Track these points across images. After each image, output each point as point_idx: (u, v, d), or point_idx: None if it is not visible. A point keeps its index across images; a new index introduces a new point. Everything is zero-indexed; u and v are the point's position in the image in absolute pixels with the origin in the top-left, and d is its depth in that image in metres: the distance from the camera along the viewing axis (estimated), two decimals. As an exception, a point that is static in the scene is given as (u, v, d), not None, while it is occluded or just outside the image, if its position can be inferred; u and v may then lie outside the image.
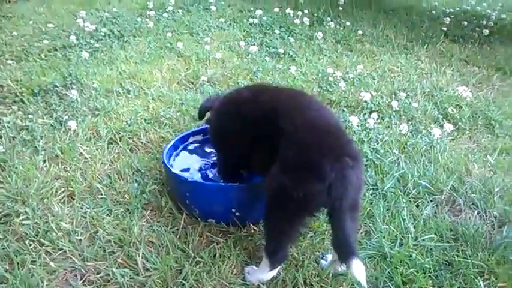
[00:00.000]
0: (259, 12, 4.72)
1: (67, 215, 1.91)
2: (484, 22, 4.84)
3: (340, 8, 5.14)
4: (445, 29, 4.61)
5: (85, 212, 1.92)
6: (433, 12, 5.24)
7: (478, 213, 2.01)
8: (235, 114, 1.80)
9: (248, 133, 1.74)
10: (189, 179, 1.86)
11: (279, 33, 4.30)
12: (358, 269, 1.41)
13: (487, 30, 4.52)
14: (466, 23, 4.80)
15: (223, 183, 1.90)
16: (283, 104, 1.70)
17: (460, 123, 2.83)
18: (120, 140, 2.46)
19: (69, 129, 2.49)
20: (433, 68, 3.75)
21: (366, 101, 2.98)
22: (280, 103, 1.70)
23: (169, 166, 1.95)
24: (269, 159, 1.58)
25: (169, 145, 2.14)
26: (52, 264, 1.66)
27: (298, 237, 1.64)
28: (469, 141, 2.71)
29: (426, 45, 4.24)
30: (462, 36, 4.49)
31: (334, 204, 1.43)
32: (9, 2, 4.65)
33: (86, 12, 4.53)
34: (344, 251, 1.46)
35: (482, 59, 3.99)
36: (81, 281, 1.62)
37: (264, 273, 1.62)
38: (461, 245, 1.82)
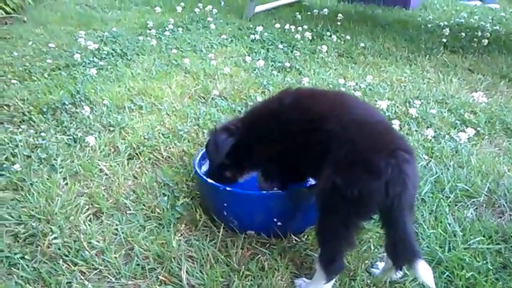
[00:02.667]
0: (259, 28, 4.72)
1: (97, 232, 1.79)
2: (479, 33, 4.93)
3: (339, 24, 5.18)
4: (444, 40, 4.67)
5: (116, 229, 1.81)
6: (429, 25, 5.32)
7: (521, 214, 1.97)
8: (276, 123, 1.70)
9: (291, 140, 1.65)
10: (227, 189, 1.77)
11: (282, 48, 4.29)
12: (425, 270, 1.33)
13: (486, 41, 4.59)
14: (463, 34, 4.88)
15: (264, 191, 1.80)
16: (327, 106, 1.61)
17: (478, 128, 2.81)
18: (140, 155, 2.36)
19: (86, 146, 2.39)
20: (439, 77, 3.77)
21: (383, 109, 2.96)
22: (323, 106, 1.62)
23: (203, 176, 1.86)
24: (318, 164, 1.50)
25: (198, 156, 2.05)
26: (89, 285, 1.54)
27: (355, 244, 1.53)
28: (490, 145, 2.69)
29: (428, 56, 4.28)
30: (461, 47, 4.55)
31: (393, 202, 1.34)
32: (6, 24, 4.55)
33: (85, 32, 4.46)
34: (407, 253, 1.37)
35: (486, 67, 4.03)
36: (123, 301, 1.51)
37: (319, 286, 1.51)
38: (512, 246, 1.76)
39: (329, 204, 1.44)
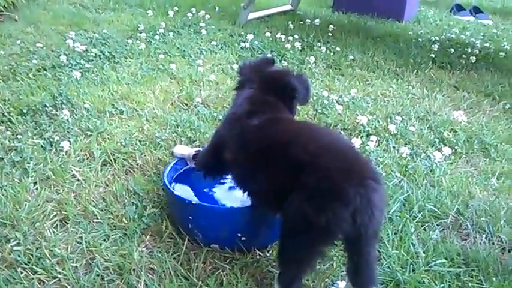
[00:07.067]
0: (250, 36, 4.74)
1: (61, 240, 1.79)
2: (469, 50, 4.96)
3: (330, 34, 5.20)
4: (433, 55, 4.69)
5: (80, 237, 1.81)
6: (420, 39, 5.35)
7: (486, 237, 1.98)
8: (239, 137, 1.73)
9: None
10: (193, 202, 1.78)
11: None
12: None
13: (474, 58, 4.62)
14: (452, 50, 4.91)
15: (229, 206, 1.81)
16: (293, 134, 1.61)
17: (456, 147, 2.83)
18: (114, 162, 2.36)
19: (61, 150, 2.39)
20: (424, 93, 3.79)
21: (362, 124, 2.97)
22: (289, 134, 1.62)
23: (170, 188, 1.87)
24: (277, 193, 1.51)
25: (169, 167, 2.06)
26: (46, 294, 1.54)
27: (315, 268, 1.54)
28: (467, 165, 2.70)
29: (415, 71, 4.29)
30: (450, 63, 4.58)
31: (359, 231, 1.36)
32: (-4, 21, 4.55)
33: (75, 33, 4.46)
34: (364, 279, 1.41)
35: (471, 84, 4.06)
36: (78, 312, 1.51)
37: None
38: (473, 270, 1.77)
39: (294, 231, 1.44)
